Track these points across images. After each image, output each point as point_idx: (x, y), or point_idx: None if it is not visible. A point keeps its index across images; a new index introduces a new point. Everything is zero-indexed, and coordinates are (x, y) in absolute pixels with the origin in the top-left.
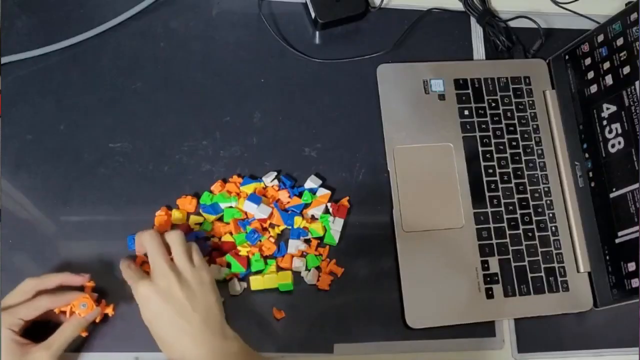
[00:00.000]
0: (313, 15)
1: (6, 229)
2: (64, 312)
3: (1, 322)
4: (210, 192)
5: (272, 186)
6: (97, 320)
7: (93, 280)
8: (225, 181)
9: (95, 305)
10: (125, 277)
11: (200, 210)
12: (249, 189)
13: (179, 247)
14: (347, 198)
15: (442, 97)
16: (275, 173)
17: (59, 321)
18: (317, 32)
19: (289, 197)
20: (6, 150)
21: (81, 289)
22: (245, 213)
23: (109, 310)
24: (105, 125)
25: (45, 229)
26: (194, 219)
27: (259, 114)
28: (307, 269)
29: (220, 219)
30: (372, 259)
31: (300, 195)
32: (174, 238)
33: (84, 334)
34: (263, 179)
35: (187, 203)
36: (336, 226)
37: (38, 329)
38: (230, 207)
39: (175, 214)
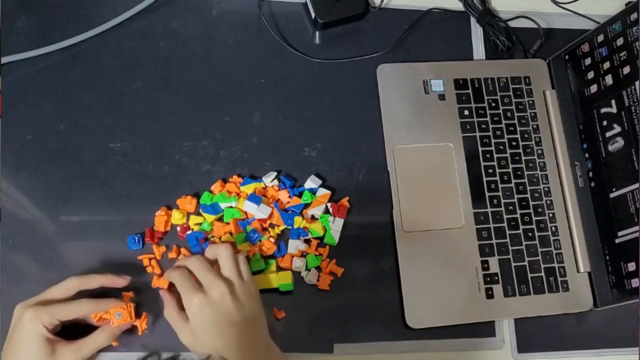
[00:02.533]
0: (313, 15)
1: (6, 229)
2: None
3: (38, 318)
4: (210, 192)
5: (272, 186)
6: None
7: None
8: (225, 181)
9: (130, 317)
10: (179, 286)
11: (200, 210)
12: (249, 189)
13: (229, 260)
14: (347, 198)
15: (442, 97)
16: (275, 173)
17: (89, 322)
18: (317, 32)
19: (289, 197)
20: (6, 150)
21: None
22: (245, 213)
23: (143, 324)
24: (105, 125)
25: (45, 229)
26: (194, 219)
27: (259, 114)
28: (307, 269)
29: (220, 219)
30: (372, 259)
31: (300, 195)
32: (224, 251)
33: (115, 344)
34: (263, 179)
35: (187, 203)
36: (336, 226)
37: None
38: (230, 207)
39: (175, 214)
